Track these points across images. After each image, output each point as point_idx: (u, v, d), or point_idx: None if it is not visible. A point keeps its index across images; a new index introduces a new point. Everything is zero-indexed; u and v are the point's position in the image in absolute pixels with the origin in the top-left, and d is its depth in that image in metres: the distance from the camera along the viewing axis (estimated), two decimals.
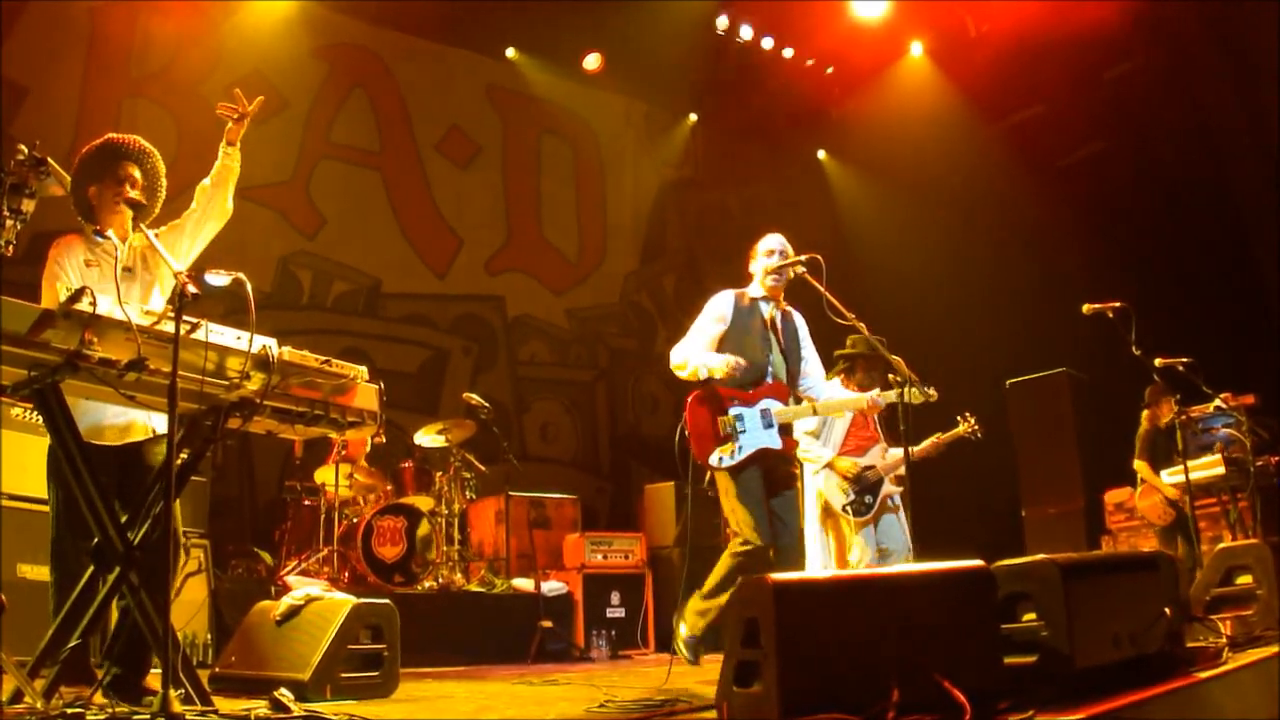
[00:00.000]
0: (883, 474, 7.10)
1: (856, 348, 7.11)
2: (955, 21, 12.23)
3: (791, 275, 5.76)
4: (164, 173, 4.62)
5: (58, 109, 9.66)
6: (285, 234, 11.11)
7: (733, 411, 5.51)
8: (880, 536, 7.08)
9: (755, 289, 5.88)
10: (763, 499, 5.46)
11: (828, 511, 7.11)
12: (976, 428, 7.31)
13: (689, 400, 5.58)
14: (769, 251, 5.83)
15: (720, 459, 5.45)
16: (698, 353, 5.61)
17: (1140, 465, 9.11)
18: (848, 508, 7.04)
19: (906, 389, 5.50)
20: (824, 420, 7.17)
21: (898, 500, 7.21)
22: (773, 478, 5.56)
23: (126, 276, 4.34)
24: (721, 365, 5.49)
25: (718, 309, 5.77)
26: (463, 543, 9.44)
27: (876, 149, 13.34)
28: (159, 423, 4.38)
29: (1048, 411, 10.82)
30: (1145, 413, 9.12)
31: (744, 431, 5.47)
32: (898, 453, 7.14)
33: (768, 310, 5.80)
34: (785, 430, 5.63)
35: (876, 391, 6.21)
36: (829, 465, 7.12)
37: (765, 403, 5.54)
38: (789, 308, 5.96)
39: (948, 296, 12.06)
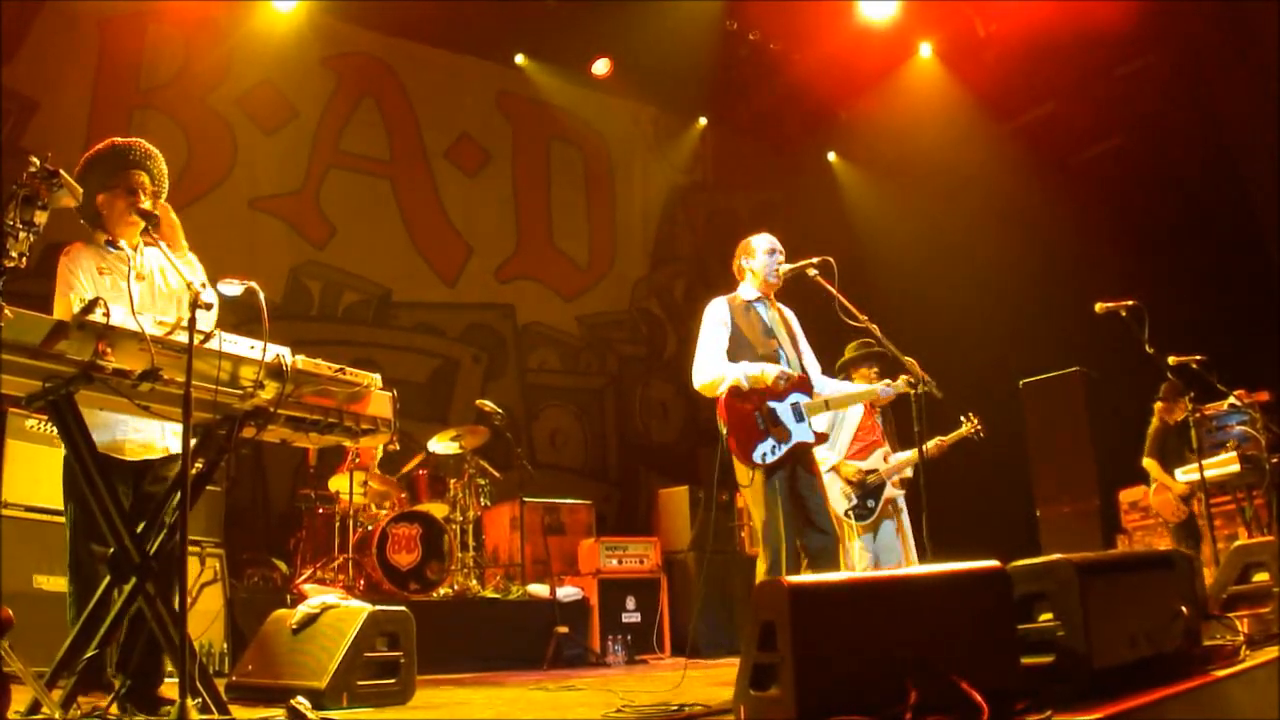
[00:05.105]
0: (885, 478, 7.10)
1: (850, 354, 7.14)
2: (964, 22, 12.20)
3: (786, 274, 5.70)
4: (167, 174, 4.58)
5: (68, 121, 9.70)
6: (295, 244, 11.14)
7: (771, 405, 5.34)
8: (878, 548, 7.07)
9: (748, 290, 5.75)
10: (791, 502, 5.27)
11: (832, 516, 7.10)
12: (979, 427, 7.30)
13: (724, 398, 5.33)
14: (770, 250, 5.72)
15: (764, 455, 5.22)
16: (731, 365, 5.40)
17: (1149, 463, 9.09)
18: (850, 513, 7.05)
19: (920, 388, 5.46)
20: (833, 422, 7.12)
21: (901, 504, 7.21)
22: (802, 476, 5.38)
23: (140, 286, 4.34)
24: (770, 374, 5.34)
25: (719, 315, 5.61)
26: (478, 549, 9.45)
27: (887, 150, 13.35)
28: (175, 443, 4.39)
29: (1062, 411, 10.79)
30: (1157, 408, 9.11)
31: (782, 425, 5.32)
32: (900, 457, 7.15)
33: (765, 309, 5.71)
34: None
35: (886, 381, 6.17)
36: (834, 469, 7.11)
37: (794, 396, 5.40)
38: (780, 305, 5.85)
39: (961, 297, 12.05)
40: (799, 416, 5.40)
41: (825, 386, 5.76)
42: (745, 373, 5.36)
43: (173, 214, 4.50)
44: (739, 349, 5.52)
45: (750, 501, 5.36)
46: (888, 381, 6.17)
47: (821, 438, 5.55)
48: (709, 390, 5.44)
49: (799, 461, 5.39)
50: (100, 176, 4.38)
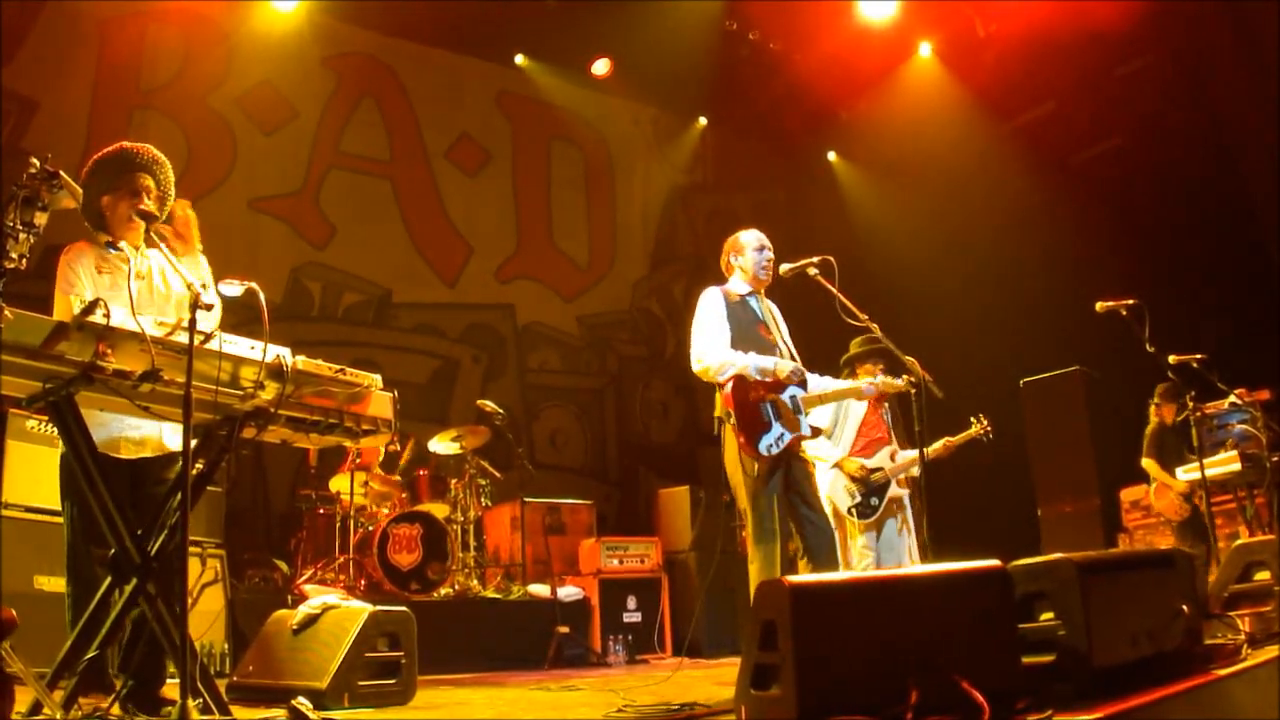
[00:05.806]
0: (890, 476, 7.08)
1: (855, 349, 7.13)
2: (963, 22, 12.19)
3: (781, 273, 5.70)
4: (174, 181, 4.59)
5: (68, 122, 9.70)
6: (296, 245, 11.13)
7: (775, 396, 5.34)
8: (881, 547, 7.04)
9: (740, 285, 5.75)
10: (787, 496, 5.27)
11: (834, 512, 7.05)
12: (988, 429, 7.29)
13: (729, 388, 5.30)
14: (759, 247, 5.74)
15: (769, 447, 5.22)
16: (739, 354, 5.36)
17: (1148, 463, 9.10)
18: (853, 510, 7.01)
19: (907, 385, 5.47)
20: (836, 418, 7.13)
21: (905, 502, 7.19)
22: (796, 472, 5.37)
23: (139, 287, 4.33)
24: (785, 370, 5.38)
25: (717, 305, 5.57)
26: (479, 549, 9.45)
27: (887, 150, 13.35)
28: (173, 441, 4.38)
29: (1062, 410, 10.78)
30: (1154, 408, 9.12)
31: (782, 417, 5.31)
32: (906, 455, 7.12)
33: (757, 304, 5.72)
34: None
35: (869, 380, 6.21)
36: (837, 465, 7.09)
37: (792, 390, 5.41)
38: (768, 300, 5.86)
39: (961, 296, 12.05)
40: (796, 409, 5.40)
41: (812, 382, 5.76)
42: (757, 365, 5.36)
43: (190, 210, 4.51)
44: (736, 342, 5.49)
45: (746, 494, 5.30)
46: (870, 380, 6.21)
47: (816, 432, 5.55)
48: (712, 375, 5.39)
49: (795, 456, 5.40)
50: (106, 178, 4.38)
